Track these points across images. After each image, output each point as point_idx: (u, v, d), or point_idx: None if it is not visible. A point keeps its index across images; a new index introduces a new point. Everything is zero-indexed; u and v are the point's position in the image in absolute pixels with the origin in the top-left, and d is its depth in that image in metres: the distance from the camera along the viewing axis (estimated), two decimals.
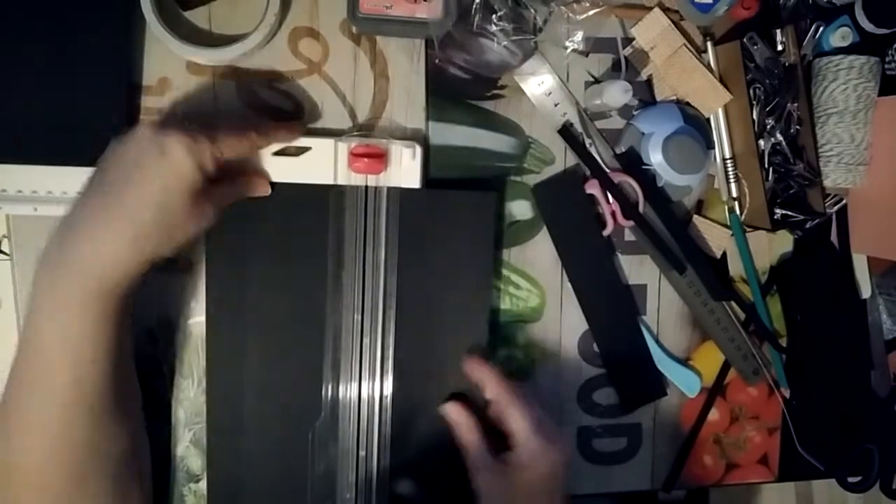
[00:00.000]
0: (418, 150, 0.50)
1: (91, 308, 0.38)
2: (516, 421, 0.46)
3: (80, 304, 0.38)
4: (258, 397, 0.50)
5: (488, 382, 0.49)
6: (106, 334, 0.39)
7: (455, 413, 0.49)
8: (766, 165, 0.56)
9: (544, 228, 0.56)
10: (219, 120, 0.47)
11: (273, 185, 0.48)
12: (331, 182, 0.50)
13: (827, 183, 0.55)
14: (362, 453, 0.50)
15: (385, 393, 0.51)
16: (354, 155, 0.49)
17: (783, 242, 0.60)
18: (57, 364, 0.38)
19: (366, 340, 0.50)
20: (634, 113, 0.56)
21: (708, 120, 0.57)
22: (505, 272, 0.55)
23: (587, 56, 0.55)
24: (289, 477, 0.50)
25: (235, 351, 0.49)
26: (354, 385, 0.50)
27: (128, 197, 0.39)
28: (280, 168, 0.49)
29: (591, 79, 0.56)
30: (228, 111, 0.50)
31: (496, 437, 0.48)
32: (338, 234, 0.50)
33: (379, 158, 0.49)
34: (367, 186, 0.50)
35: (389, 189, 0.50)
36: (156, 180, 0.39)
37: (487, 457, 0.47)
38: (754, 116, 0.54)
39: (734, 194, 0.57)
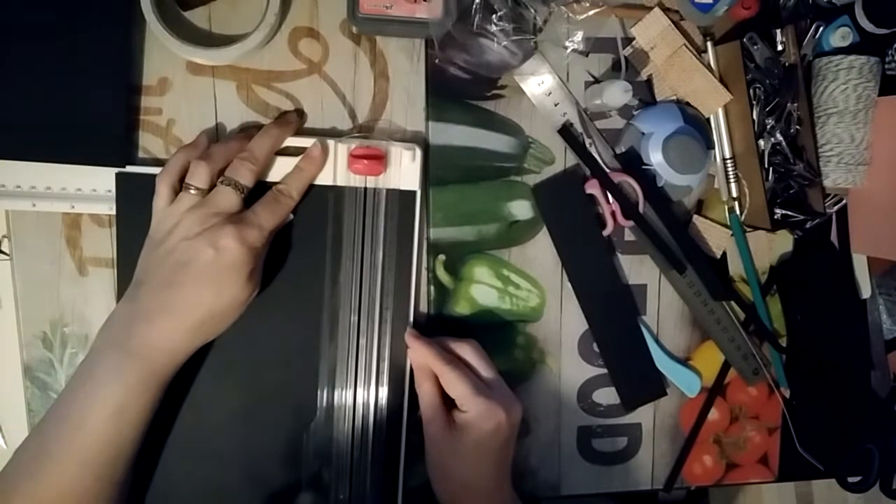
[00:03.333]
0: (418, 152, 0.50)
1: (146, 384, 0.43)
2: (454, 387, 0.47)
3: (138, 380, 0.43)
4: (254, 397, 0.50)
5: (421, 354, 0.49)
6: (151, 402, 0.44)
7: (417, 358, 0.50)
8: (766, 165, 0.56)
9: (544, 228, 0.56)
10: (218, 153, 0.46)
11: (272, 185, 0.48)
12: (330, 183, 0.50)
13: (827, 183, 0.55)
14: (356, 454, 0.50)
15: (381, 394, 0.51)
16: (354, 156, 0.49)
17: (783, 242, 0.60)
18: (104, 417, 0.42)
19: (362, 341, 0.50)
20: (634, 113, 0.56)
21: (708, 120, 0.56)
22: (505, 272, 0.55)
23: (587, 56, 0.55)
24: (283, 477, 0.50)
25: (232, 351, 0.49)
26: (350, 386, 0.50)
27: (191, 297, 0.43)
28: (279, 168, 0.48)
29: (591, 79, 0.56)
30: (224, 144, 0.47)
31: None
32: (336, 235, 0.50)
33: (378, 160, 0.49)
34: (366, 188, 0.50)
35: (388, 191, 0.50)
36: (214, 279, 0.43)
37: (439, 409, 0.48)
38: (754, 116, 0.54)
39: (734, 194, 0.57)
